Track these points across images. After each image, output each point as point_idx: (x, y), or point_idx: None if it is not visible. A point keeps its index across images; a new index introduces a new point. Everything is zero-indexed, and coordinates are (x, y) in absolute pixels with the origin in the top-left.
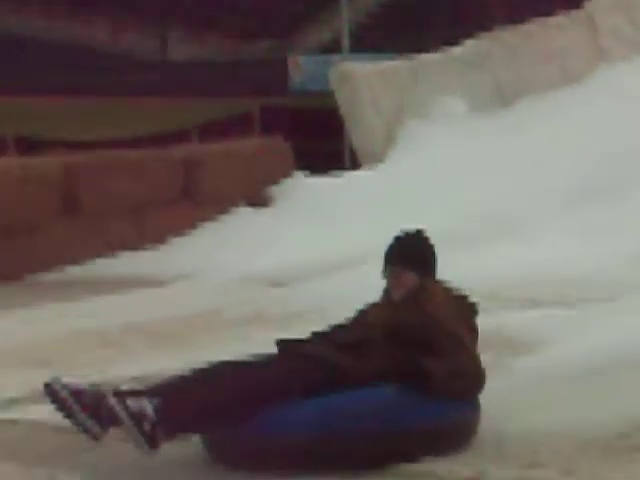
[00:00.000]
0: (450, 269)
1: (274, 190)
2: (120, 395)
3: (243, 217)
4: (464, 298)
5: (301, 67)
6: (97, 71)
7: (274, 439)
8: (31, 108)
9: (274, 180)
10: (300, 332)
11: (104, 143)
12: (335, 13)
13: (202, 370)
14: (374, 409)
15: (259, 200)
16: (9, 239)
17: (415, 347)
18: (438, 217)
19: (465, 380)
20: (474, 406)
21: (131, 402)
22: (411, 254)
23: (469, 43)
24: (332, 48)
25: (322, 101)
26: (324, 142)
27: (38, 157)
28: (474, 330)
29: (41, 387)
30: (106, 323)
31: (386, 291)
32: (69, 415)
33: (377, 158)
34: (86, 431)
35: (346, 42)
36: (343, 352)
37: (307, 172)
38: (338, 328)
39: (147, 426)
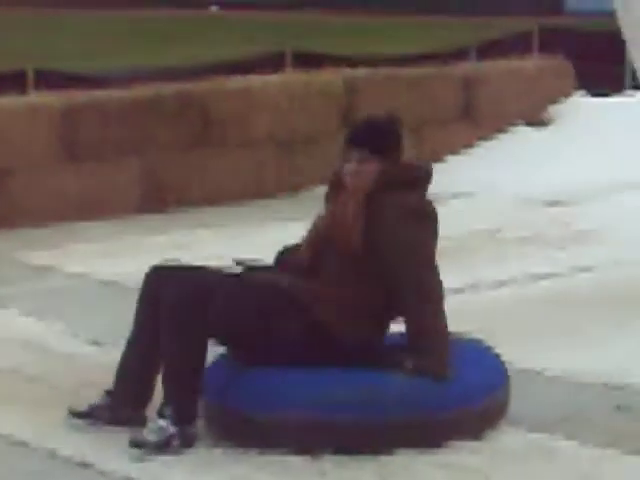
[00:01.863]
0: None
1: (554, 110)
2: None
3: (522, 136)
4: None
5: None
6: None
7: (277, 417)
8: (308, 23)
9: (554, 100)
10: (579, 253)
11: (383, 60)
12: None
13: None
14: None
15: (538, 119)
16: (289, 153)
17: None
18: None
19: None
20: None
21: (152, 433)
22: (381, 139)
23: None
24: None
25: (600, 22)
26: (603, 64)
27: (319, 72)
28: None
29: None
30: None
31: (332, 189)
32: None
33: None
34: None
35: None
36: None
37: (586, 93)
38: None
39: (175, 442)
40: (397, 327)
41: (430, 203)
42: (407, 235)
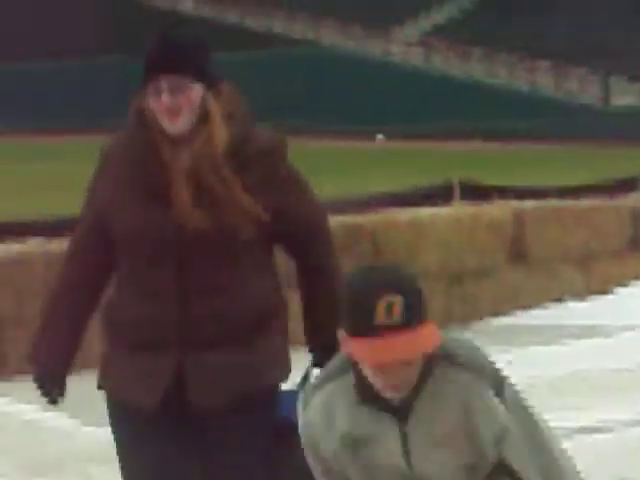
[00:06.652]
0: None
1: None
2: None
3: None
4: None
5: None
6: (537, 117)
7: None
8: (475, 154)
9: None
10: None
11: (550, 190)
12: None
13: None
14: None
15: None
16: (458, 285)
17: None
18: None
19: None
20: None
21: None
22: (197, 57)
23: None
24: None
25: None
26: None
27: (487, 204)
28: None
29: None
30: (553, 371)
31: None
32: None
33: None
34: None
35: None
36: None
37: None
38: None
39: None
40: None
41: None
42: None
